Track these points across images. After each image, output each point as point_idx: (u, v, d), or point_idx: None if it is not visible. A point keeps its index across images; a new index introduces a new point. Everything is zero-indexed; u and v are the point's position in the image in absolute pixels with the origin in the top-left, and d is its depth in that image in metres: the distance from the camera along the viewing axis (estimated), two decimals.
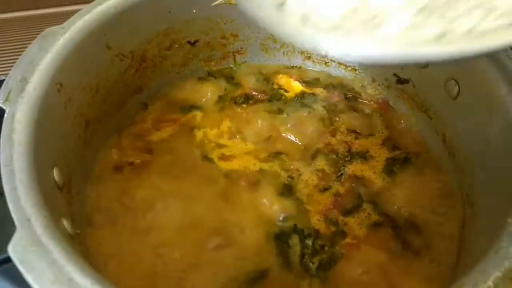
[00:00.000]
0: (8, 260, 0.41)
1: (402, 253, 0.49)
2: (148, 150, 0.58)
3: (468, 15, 0.30)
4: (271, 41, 0.70)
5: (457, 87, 0.54)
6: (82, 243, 0.46)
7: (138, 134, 0.60)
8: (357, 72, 0.69)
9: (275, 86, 0.67)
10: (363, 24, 0.31)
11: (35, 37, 0.50)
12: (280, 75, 0.69)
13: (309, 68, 0.71)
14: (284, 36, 0.32)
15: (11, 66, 0.49)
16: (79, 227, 0.48)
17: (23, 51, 0.50)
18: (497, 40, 0.29)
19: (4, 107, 0.43)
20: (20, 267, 0.33)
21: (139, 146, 0.58)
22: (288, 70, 0.71)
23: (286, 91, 0.67)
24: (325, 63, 0.71)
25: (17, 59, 0.49)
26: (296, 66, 0.71)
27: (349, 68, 0.69)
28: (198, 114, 0.63)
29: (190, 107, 0.63)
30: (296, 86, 0.67)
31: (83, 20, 0.52)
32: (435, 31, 0.30)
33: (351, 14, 0.31)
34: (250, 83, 0.67)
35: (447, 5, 0.30)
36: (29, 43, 0.50)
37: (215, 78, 0.68)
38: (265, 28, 0.33)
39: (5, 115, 0.42)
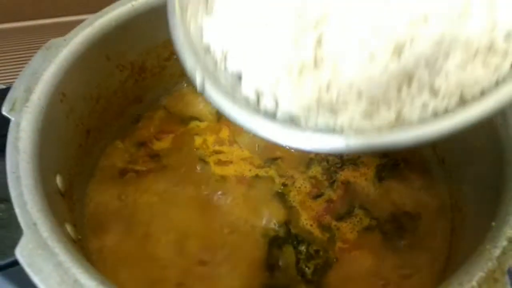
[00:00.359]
0: (14, 264, 0.43)
1: (393, 255, 0.51)
2: (150, 158, 0.59)
3: (416, 99, 0.32)
4: None
5: None
6: (84, 248, 0.47)
7: (139, 143, 0.61)
8: None
9: None
10: (325, 118, 0.34)
11: (38, 46, 0.52)
12: None
13: None
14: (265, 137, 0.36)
15: (16, 75, 0.51)
16: (81, 232, 0.49)
17: (26, 60, 0.51)
18: (450, 122, 0.32)
19: (10, 116, 0.45)
20: (28, 270, 0.34)
21: (141, 154, 0.60)
22: None
23: None
24: None
25: (21, 68, 0.50)
26: None
27: None
28: (197, 124, 0.64)
29: (190, 118, 0.65)
30: None
31: (84, 33, 0.53)
32: (389, 118, 0.32)
33: (315, 106, 0.34)
34: None
35: (396, 92, 0.32)
36: (33, 52, 0.51)
37: None
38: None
39: (11, 124, 0.44)
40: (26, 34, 0.87)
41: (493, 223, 0.40)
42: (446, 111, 0.32)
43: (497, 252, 0.37)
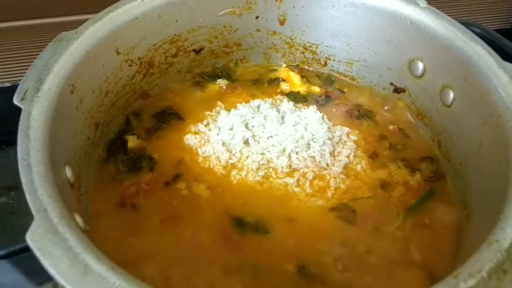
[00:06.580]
0: (22, 251, 0.43)
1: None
2: None
3: None
4: (273, 51, 0.72)
5: (452, 94, 0.57)
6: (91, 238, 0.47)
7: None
8: (355, 81, 0.71)
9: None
10: None
11: (42, 45, 0.52)
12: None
13: (309, 81, 0.72)
14: None
15: (20, 73, 0.50)
16: (88, 224, 0.49)
17: (31, 58, 0.51)
18: None
19: (20, 106, 0.45)
20: (38, 254, 0.34)
21: None
22: None
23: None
24: (324, 77, 0.73)
25: (25, 66, 0.50)
26: None
27: (348, 77, 0.72)
28: None
29: None
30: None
31: (95, 26, 0.54)
32: None
33: None
34: None
35: None
36: (37, 51, 0.51)
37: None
38: None
39: (22, 113, 0.44)
40: (31, 32, 0.87)
41: (501, 216, 0.40)
42: None
43: (506, 244, 0.37)
